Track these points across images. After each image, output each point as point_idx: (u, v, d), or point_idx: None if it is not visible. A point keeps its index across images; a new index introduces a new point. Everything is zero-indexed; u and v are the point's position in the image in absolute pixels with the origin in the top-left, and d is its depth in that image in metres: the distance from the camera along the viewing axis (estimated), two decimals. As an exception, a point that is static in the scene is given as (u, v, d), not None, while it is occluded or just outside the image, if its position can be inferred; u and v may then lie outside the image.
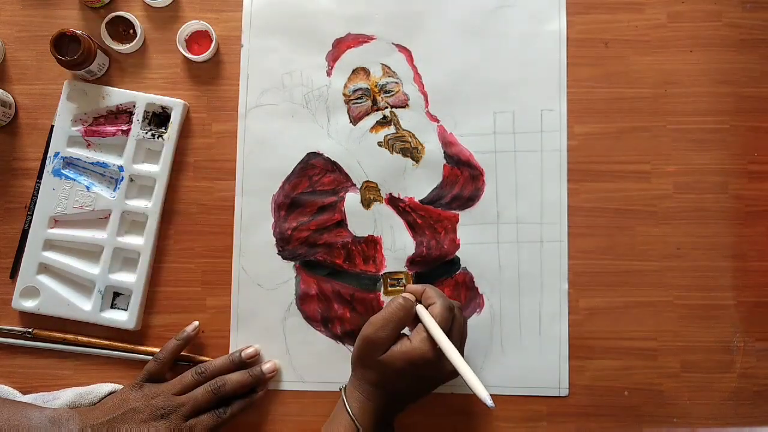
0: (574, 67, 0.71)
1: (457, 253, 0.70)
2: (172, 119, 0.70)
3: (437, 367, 0.59)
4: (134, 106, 0.70)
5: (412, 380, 0.60)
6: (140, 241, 0.70)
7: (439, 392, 0.68)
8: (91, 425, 0.60)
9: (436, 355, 0.58)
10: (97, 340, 0.69)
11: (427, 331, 0.59)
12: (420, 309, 0.61)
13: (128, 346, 0.69)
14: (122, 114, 0.71)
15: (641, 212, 0.70)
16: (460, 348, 0.62)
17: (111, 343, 0.69)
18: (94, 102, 0.70)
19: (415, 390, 0.62)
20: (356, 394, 0.61)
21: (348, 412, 0.60)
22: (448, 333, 0.59)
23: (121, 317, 0.69)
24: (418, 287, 0.63)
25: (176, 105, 0.70)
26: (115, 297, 0.70)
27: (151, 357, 0.68)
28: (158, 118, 0.71)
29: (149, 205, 0.70)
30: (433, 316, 0.59)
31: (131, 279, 0.69)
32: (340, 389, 0.63)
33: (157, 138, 0.70)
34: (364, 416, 0.60)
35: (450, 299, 0.62)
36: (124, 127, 0.70)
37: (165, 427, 0.61)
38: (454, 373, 0.59)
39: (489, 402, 0.54)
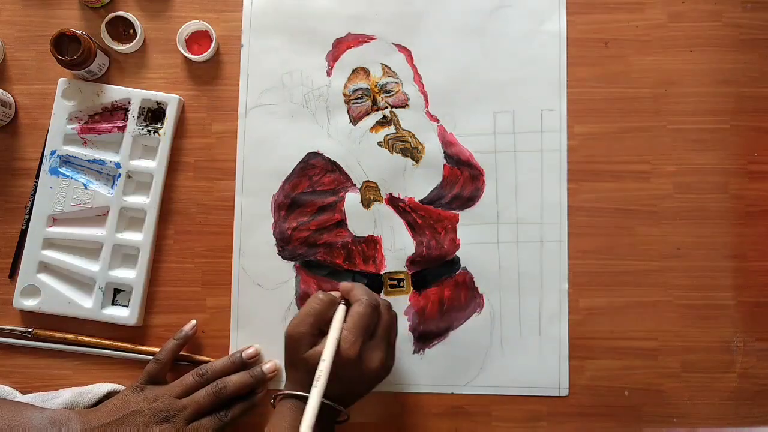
0: (574, 67, 0.71)
1: (457, 253, 0.70)
2: (167, 114, 0.70)
3: (360, 366, 0.57)
4: (129, 103, 0.70)
5: (340, 380, 0.58)
6: (139, 237, 0.70)
7: (440, 392, 0.69)
8: (92, 427, 0.60)
9: (357, 354, 0.57)
10: (98, 340, 0.69)
11: (349, 330, 0.58)
12: (339, 313, 0.60)
13: (128, 345, 0.69)
14: (118, 111, 0.71)
15: (641, 212, 0.70)
16: (390, 347, 0.61)
17: (111, 342, 0.69)
18: (89, 99, 0.70)
19: (347, 390, 0.59)
20: (289, 402, 0.59)
21: (299, 394, 0.58)
22: (372, 331, 0.59)
23: (123, 313, 0.69)
24: (348, 285, 0.62)
25: (171, 100, 0.70)
26: (116, 294, 0.70)
27: (151, 357, 0.67)
28: (154, 114, 0.71)
29: (147, 201, 0.70)
30: (353, 315, 0.58)
31: (131, 275, 0.69)
32: (272, 399, 0.61)
33: (153, 134, 0.70)
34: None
35: (381, 298, 0.61)
36: (120, 124, 0.70)
37: (167, 431, 0.61)
38: (385, 369, 0.59)
39: (306, 420, 0.53)
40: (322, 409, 0.55)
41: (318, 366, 0.55)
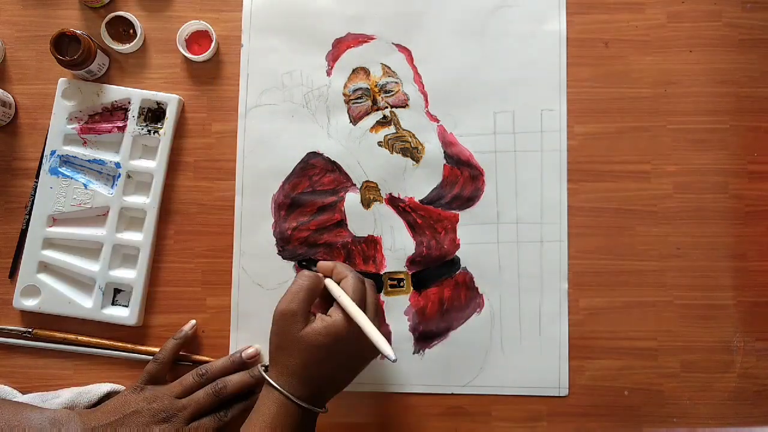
0: (574, 67, 0.71)
1: (457, 253, 0.70)
2: (167, 114, 0.70)
3: (361, 340, 0.57)
4: (129, 103, 0.70)
5: (337, 358, 0.57)
6: (139, 237, 0.70)
7: (440, 393, 0.69)
8: (92, 427, 0.60)
9: (358, 326, 0.57)
10: (98, 340, 0.69)
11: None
12: (329, 282, 0.60)
13: (128, 345, 0.69)
14: (117, 111, 0.71)
15: (641, 212, 0.70)
16: (378, 323, 0.61)
17: (111, 342, 0.69)
18: (89, 99, 0.70)
19: (343, 371, 0.59)
20: (273, 395, 0.57)
21: (289, 397, 0.57)
22: (363, 306, 0.59)
23: (123, 313, 0.69)
24: (329, 263, 0.62)
25: (171, 100, 0.70)
26: (116, 294, 0.70)
27: (151, 357, 0.67)
28: (154, 114, 0.71)
29: (147, 201, 0.70)
30: (348, 288, 0.59)
31: (131, 275, 0.69)
32: (260, 371, 0.60)
33: (153, 134, 0.70)
34: (286, 417, 0.57)
35: (361, 275, 0.61)
36: (120, 124, 0.70)
37: (167, 431, 0.61)
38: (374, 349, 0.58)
39: (392, 356, 0.54)
40: (301, 414, 0.56)
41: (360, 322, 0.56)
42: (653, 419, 0.69)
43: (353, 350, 0.58)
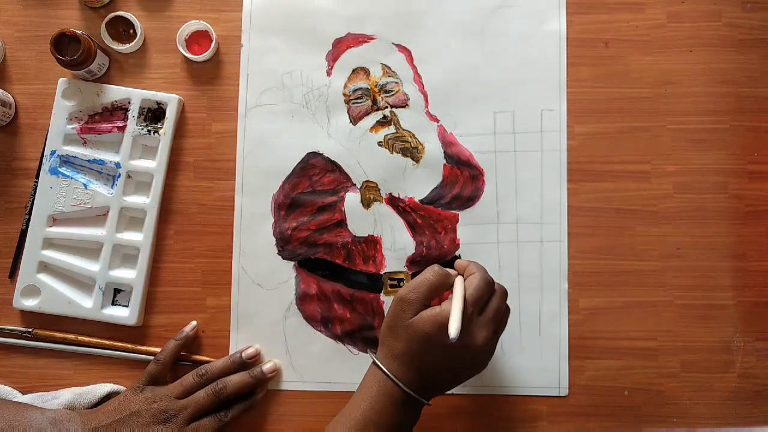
0: (574, 67, 0.71)
1: (457, 253, 0.70)
2: (167, 114, 0.70)
3: (467, 336, 0.55)
4: (129, 103, 0.70)
5: (441, 351, 0.56)
6: (139, 237, 0.70)
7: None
8: (93, 428, 0.60)
9: (466, 321, 0.55)
10: (98, 340, 0.69)
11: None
12: (458, 280, 0.58)
13: (128, 345, 0.69)
14: (117, 111, 0.71)
15: (641, 212, 0.70)
16: (495, 335, 0.58)
17: (111, 342, 0.69)
18: (89, 99, 0.70)
19: (446, 366, 0.57)
20: (379, 375, 0.57)
21: (388, 375, 0.56)
22: (482, 309, 0.57)
23: (123, 313, 0.69)
24: (465, 261, 0.61)
25: (171, 100, 0.70)
26: (116, 294, 0.70)
27: (151, 357, 0.68)
28: (154, 114, 0.71)
29: (147, 201, 0.70)
30: (468, 284, 0.57)
31: (131, 275, 0.69)
32: (370, 354, 0.59)
33: (153, 134, 0.70)
34: (386, 398, 0.56)
35: (499, 284, 0.59)
36: (120, 124, 0.70)
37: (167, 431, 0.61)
38: (486, 351, 0.57)
39: (452, 333, 0.52)
40: (401, 397, 0.56)
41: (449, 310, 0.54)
42: (653, 419, 0.69)
43: (459, 344, 0.55)
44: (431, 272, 0.58)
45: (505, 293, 0.60)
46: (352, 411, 0.57)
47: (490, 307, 0.57)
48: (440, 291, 0.58)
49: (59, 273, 0.70)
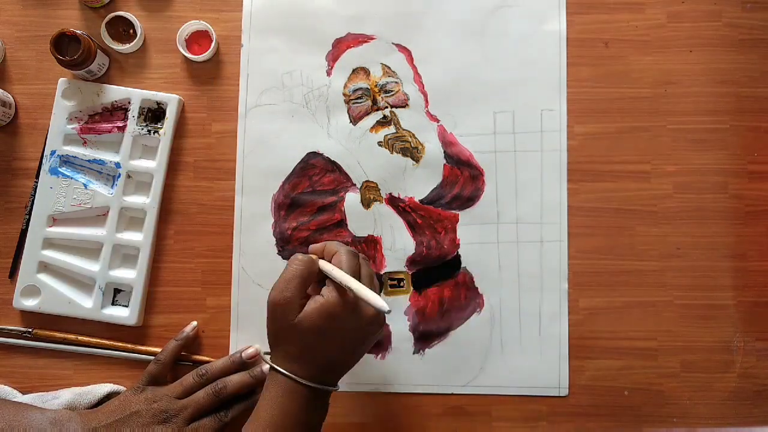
0: (574, 67, 0.71)
1: (457, 253, 0.70)
2: (167, 114, 0.70)
3: (357, 314, 0.56)
4: (129, 103, 0.70)
5: (338, 337, 0.56)
6: (139, 237, 0.70)
7: (440, 393, 0.69)
8: (93, 427, 0.60)
9: (353, 299, 0.55)
10: (98, 340, 0.69)
11: (334, 282, 0.56)
12: (322, 263, 0.58)
13: (128, 345, 0.69)
14: (117, 111, 0.71)
15: (641, 212, 0.70)
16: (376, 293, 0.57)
17: (111, 342, 0.69)
18: (89, 99, 0.70)
19: (347, 348, 0.57)
20: (279, 379, 0.56)
21: (292, 377, 0.55)
22: (357, 278, 0.56)
23: (123, 313, 0.69)
24: (319, 245, 0.60)
25: (171, 100, 0.70)
26: (116, 294, 0.70)
27: (151, 357, 0.68)
28: (154, 114, 0.71)
29: (147, 201, 0.70)
30: (339, 262, 0.57)
31: (131, 275, 0.69)
32: (263, 357, 0.57)
33: (153, 134, 0.70)
34: (293, 400, 0.56)
35: (354, 249, 0.59)
36: (120, 124, 0.70)
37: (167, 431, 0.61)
38: (380, 318, 0.57)
39: (385, 307, 0.52)
40: (309, 395, 0.55)
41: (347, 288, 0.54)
42: (653, 419, 0.69)
43: (353, 325, 0.56)
44: (296, 262, 0.57)
45: (366, 259, 0.60)
46: (261, 419, 0.56)
47: (363, 273, 0.58)
48: (311, 279, 0.57)
49: (59, 273, 0.70)
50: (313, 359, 0.56)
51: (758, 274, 0.69)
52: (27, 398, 0.67)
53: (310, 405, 0.56)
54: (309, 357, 0.56)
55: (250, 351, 0.68)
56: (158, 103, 0.71)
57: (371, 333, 0.58)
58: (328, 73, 0.72)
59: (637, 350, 0.69)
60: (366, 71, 0.72)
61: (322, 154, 0.71)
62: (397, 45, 0.72)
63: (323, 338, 0.56)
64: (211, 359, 0.69)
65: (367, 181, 0.71)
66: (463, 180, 0.71)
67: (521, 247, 0.70)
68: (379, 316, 0.57)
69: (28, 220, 0.70)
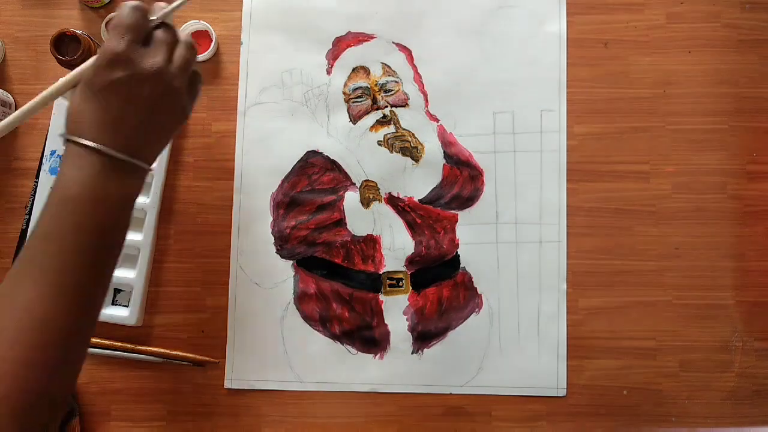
0: (573, 68, 0.71)
1: (456, 253, 0.70)
2: (168, 115, 0.70)
3: (132, 66, 0.48)
4: (131, 104, 0.70)
5: (143, 108, 0.48)
6: (139, 237, 0.70)
7: (439, 392, 0.69)
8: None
9: (125, 48, 0.48)
10: (98, 340, 0.69)
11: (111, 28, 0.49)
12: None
13: (128, 345, 0.69)
14: (119, 112, 0.71)
15: (640, 212, 0.70)
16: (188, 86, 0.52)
17: (111, 342, 0.69)
18: (93, 100, 0.70)
19: (151, 123, 0.50)
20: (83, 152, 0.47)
21: (99, 148, 0.47)
22: (146, 38, 0.50)
23: (123, 313, 0.69)
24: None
25: (173, 102, 0.70)
26: (116, 294, 0.71)
27: (151, 357, 0.68)
28: (156, 116, 0.71)
29: (147, 201, 0.70)
30: (115, 15, 0.50)
31: (131, 275, 0.69)
32: (66, 136, 0.48)
33: (155, 136, 0.70)
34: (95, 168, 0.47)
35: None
36: (122, 125, 0.70)
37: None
38: (181, 90, 0.51)
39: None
40: (115, 167, 0.48)
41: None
42: (652, 419, 0.69)
43: (126, 78, 0.48)
44: (126, 9, 0.49)
45: (192, 46, 0.54)
46: (56, 194, 0.48)
47: (154, 37, 0.51)
48: (146, 25, 0.50)
49: (59, 272, 0.70)
50: (121, 128, 0.49)
51: (757, 274, 0.70)
52: None
53: (116, 178, 0.49)
54: (119, 124, 0.49)
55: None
56: (158, 103, 0.71)
57: (159, 94, 0.50)
58: (328, 72, 0.72)
59: (636, 350, 0.69)
60: (366, 70, 0.72)
61: (321, 153, 0.71)
62: (398, 44, 0.72)
63: (118, 99, 0.49)
64: (212, 359, 0.69)
65: (366, 180, 0.71)
66: (462, 180, 0.71)
67: (520, 247, 0.70)
68: (164, 70, 0.50)
69: (28, 220, 0.70)
